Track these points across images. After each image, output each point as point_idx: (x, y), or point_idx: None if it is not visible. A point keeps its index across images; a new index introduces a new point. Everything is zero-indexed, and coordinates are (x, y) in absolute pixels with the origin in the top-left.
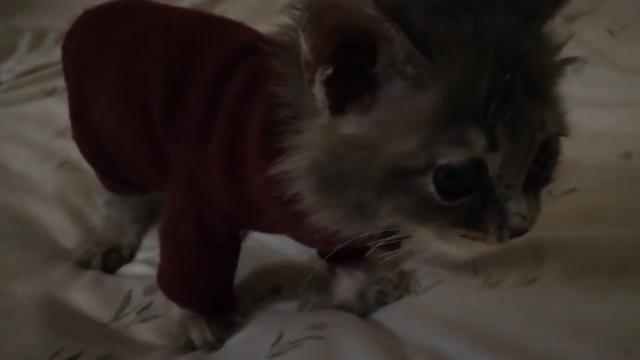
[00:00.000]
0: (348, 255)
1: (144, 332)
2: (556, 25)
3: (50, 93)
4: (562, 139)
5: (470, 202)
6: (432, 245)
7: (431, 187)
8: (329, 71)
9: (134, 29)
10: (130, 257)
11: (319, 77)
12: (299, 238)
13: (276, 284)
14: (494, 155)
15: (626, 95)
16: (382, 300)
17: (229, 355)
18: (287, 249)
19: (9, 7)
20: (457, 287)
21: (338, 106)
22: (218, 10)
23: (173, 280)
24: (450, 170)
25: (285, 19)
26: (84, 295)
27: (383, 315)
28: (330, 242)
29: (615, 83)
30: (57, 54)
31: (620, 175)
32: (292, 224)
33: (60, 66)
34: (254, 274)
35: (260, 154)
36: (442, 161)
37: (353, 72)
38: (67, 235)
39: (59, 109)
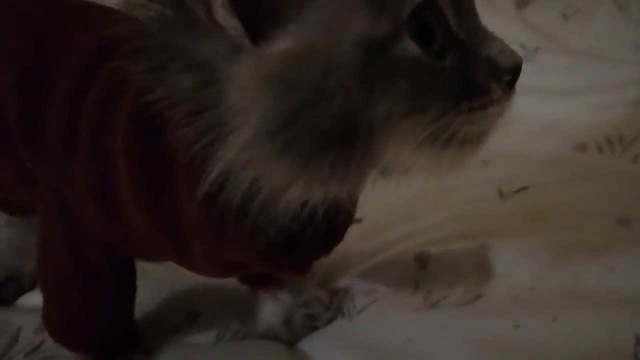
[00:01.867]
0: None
1: None
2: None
3: None
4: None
5: (453, 64)
6: (415, 158)
7: (412, 47)
8: None
9: None
10: (32, 285)
11: (217, 1)
12: (189, 267)
13: (192, 311)
14: None
15: (581, 81)
16: (312, 324)
17: None
18: None
19: None
20: (395, 307)
21: (258, 34)
22: None
23: (58, 321)
24: (417, 20)
25: None
26: None
27: (310, 345)
28: (225, 270)
29: (569, 69)
30: None
31: (575, 171)
32: (178, 250)
33: None
34: (168, 300)
35: (134, 171)
36: (404, 13)
37: None
38: None
39: None
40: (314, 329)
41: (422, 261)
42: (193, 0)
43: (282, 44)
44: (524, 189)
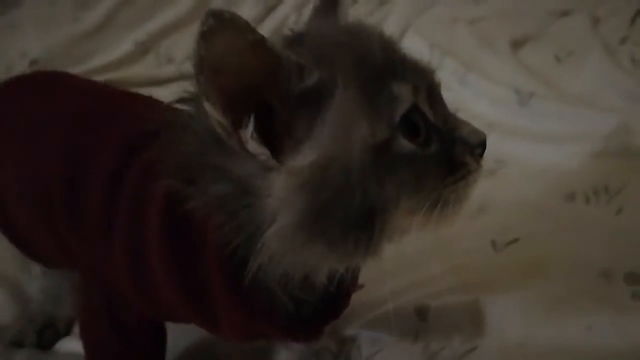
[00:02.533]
0: None
1: None
2: None
3: None
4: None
5: (437, 149)
6: (419, 222)
7: (406, 143)
8: (251, 124)
9: (42, 109)
10: (67, 331)
11: (247, 135)
12: (217, 334)
13: (214, 357)
14: (419, 97)
15: (572, 128)
16: None
17: None
18: None
19: None
20: (398, 356)
21: (277, 152)
22: (163, 47)
23: None
24: (406, 122)
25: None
26: None
27: None
28: (249, 338)
29: (561, 116)
30: None
31: (564, 222)
32: (208, 321)
33: None
34: (192, 347)
35: (165, 258)
36: (396, 119)
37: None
38: (2, 308)
39: None
40: None
41: (422, 313)
42: (227, 136)
43: (304, 158)
44: (515, 240)
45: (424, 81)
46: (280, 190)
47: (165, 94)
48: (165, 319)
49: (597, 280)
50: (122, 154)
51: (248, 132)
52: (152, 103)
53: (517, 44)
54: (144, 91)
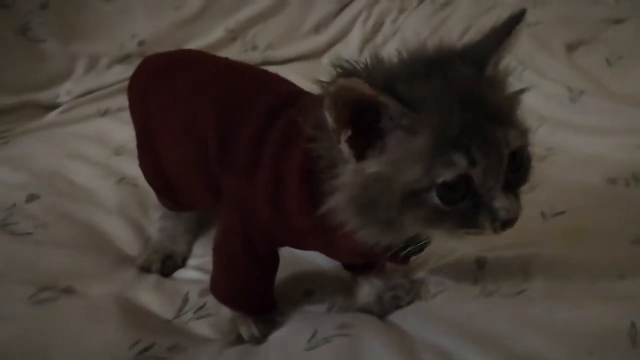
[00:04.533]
0: (367, 265)
1: (201, 328)
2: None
3: (105, 113)
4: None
5: (465, 207)
6: (447, 242)
7: (435, 199)
8: (349, 133)
9: (193, 78)
10: (182, 264)
11: (342, 138)
12: (328, 254)
13: (308, 289)
14: (475, 170)
15: (617, 123)
16: (397, 304)
17: (272, 347)
18: (317, 259)
19: (67, 34)
20: (459, 294)
21: (361, 154)
22: (250, 35)
23: (224, 287)
24: (445, 185)
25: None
26: (150, 296)
27: (397, 317)
28: (356, 256)
29: (608, 112)
30: (109, 77)
31: (605, 200)
32: (325, 243)
33: (112, 88)
34: (289, 280)
35: (301, 193)
36: (439, 180)
37: (367, 128)
38: (129, 243)
39: (113, 128)
40: (399, 307)
41: (480, 263)
42: (334, 134)
43: (369, 166)
44: (562, 212)
45: (488, 157)
46: (346, 177)
47: None
48: (288, 243)
49: (629, 245)
50: (270, 112)
51: (344, 136)
52: (277, 76)
53: (571, 47)
54: None
